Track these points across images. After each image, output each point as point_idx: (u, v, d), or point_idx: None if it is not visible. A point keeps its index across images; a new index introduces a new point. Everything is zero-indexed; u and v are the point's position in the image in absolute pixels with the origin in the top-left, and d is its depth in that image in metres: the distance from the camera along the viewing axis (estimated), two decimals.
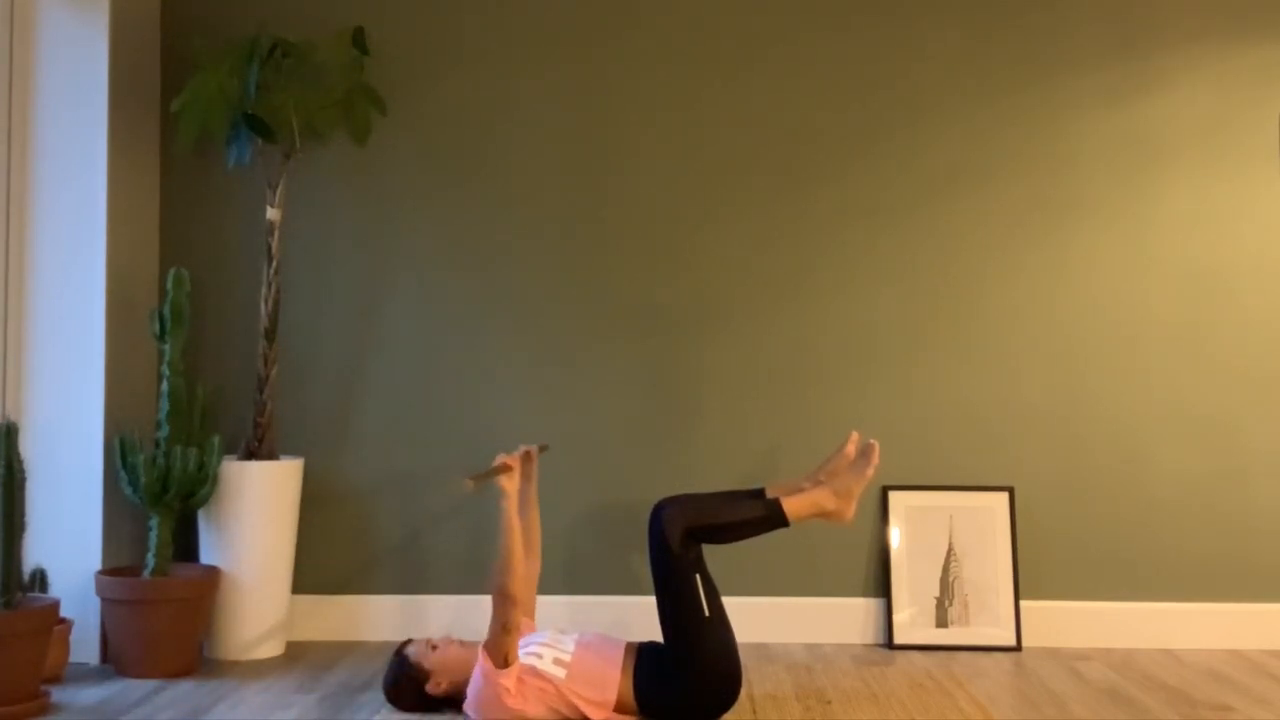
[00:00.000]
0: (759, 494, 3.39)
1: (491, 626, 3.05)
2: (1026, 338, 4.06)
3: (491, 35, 4.13)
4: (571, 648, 3.16)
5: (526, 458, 3.39)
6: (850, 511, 3.32)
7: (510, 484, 3.18)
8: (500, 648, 3.03)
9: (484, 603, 3.98)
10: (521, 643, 3.20)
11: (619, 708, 3.07)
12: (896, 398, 4.06)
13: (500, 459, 3.25)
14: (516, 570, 3.07)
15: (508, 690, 3.01)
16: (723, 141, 4.10)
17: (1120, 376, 4.04)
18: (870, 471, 3.35)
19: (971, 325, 4.07)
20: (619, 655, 3.14)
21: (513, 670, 3.03)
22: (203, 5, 4.11)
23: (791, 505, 3.26)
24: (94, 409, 3.72)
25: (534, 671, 3.06)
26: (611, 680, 3.07)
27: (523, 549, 3.17)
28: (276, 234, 3.89)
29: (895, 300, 4.07)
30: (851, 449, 3.45)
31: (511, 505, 3.15)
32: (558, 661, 3.10)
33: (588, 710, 3.05)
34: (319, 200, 4.12)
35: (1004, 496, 4.02)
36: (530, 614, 3.48)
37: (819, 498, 3.30)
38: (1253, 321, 4.03)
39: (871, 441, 3.39)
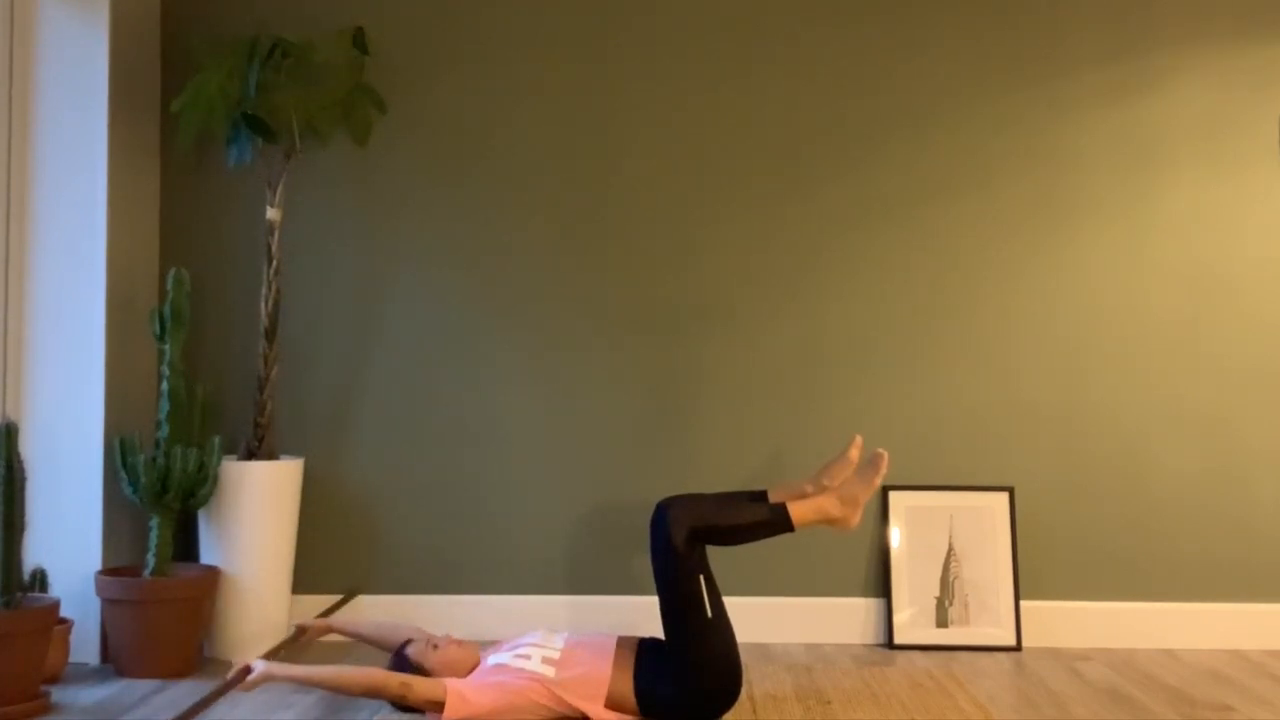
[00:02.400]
0: (761, 496, 3.39)
1: (402, 701, 3.03)
2: (1026, 338, 4.06)
3: (491, 35, 4.13)
4: (560, 644, 3.16)
5: (300, 632, 3.48)
6: (856, 519, 3.32)
7: (272, 673, 2.99)
8: (423, 699, 2.98)
9: (487, 602, 4.01)
10: (510, 644, 3.23)
11: (613, 704, 3.07)
12: (897, 398, 4.06)
13: (236, 669, 3.05)
14: (352, 690, 3.00)
15: (465, 701, 2.97)
16: (723, 141, 4.10)
17: (1120, 376, 4.04)
18: (878, 481, 3.35)
19: (972, 325, 4.07)
20: (610, 650, 3.14)
21: (452, 693, 2.97)
22: (203, 5, 4.12)
23: (797, 511, 3.26)
24: (94, 409, 3.71)
25: (522, 672, 3.06)
26: (602, 675, 3.06)
27: (380, 639, 3.37)
28: (276, 234, 3.89)
29: (896, 300, 4.08)
30: (854, 454, 3.44)
31: (293, 676, 3.01)
32: (546, 660, 3.09)
33: (580, 705, 3.04)
34: (319, 200, 4.12)
35: (1004, 496, 4.02)
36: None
37: (825, 504, 3.30)
38: (1253, 321, 4.04)
39: (880, 451, 3.37)
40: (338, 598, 4.05)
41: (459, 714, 2.96)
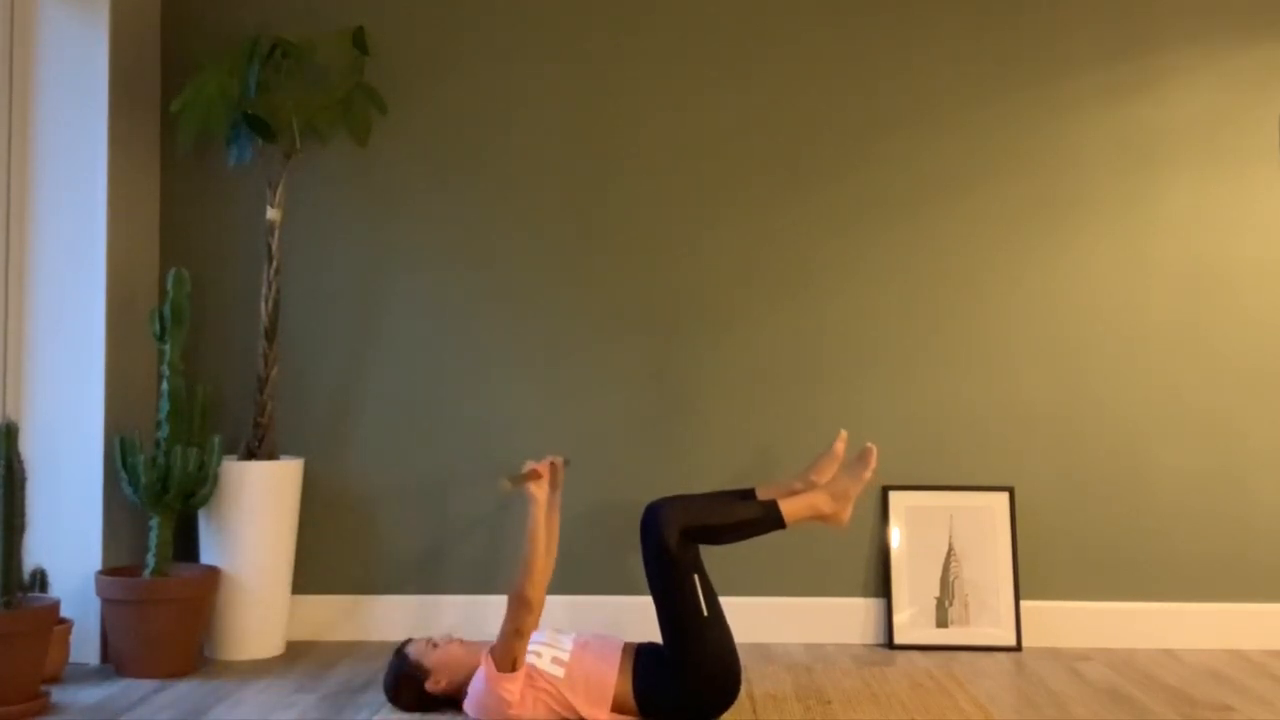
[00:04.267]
0: (750, 494, 3.39)
1: (504, 629, 3.07)
2: (1026, 338, 4.06)
3: (491, 35, 4.13)
4: (570, 646, 3.16)
5: (553, 468, 3.41)
6: (846, 515, 3.33)
7: (540, 491, 3.25)
8: (509, 651, 3.04)
9: (486, 602, 4.00)
10: None
11: (616, 708, 3.07)
12: (896, 398, 4.06)
13: (530, 465, 3.33)
14: (537, 577, 3.11)
15: (509, 703, 3.01)
16: (723, 141, 4.10)
17: (1120, 376, 4.04)
18: (868, 475, 3.36)
19: (971, 325, 4.07)
20: (616, 655, 3.14)
21: (519, 675, 3.03)
22: (203, 5, 4.12)
23: (788, 507, 3.26)
24: (94, 409, 3.72)
25: (532, 670, 3.06)
26: (609, 681, 3.07)
27: (545, 555, 3.26)
28: (276, 234, 3.89)
29: (895, 300, 4.08)
30: (840, 447, 3.45)
31: (539, 512, 3.22)
32: (556, 661, 3.10)
33: (585, 710, 3.05)
34: (319, 200, 4.12)
35: (1004, 496, 4.02)
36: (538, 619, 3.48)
37: (816, 500, 3.30)
38: (1253, 321, 4.04)
39: (869, 445, 3.38)
40: (338, 597, 4.05)
41: (498, 684, 3.00)
